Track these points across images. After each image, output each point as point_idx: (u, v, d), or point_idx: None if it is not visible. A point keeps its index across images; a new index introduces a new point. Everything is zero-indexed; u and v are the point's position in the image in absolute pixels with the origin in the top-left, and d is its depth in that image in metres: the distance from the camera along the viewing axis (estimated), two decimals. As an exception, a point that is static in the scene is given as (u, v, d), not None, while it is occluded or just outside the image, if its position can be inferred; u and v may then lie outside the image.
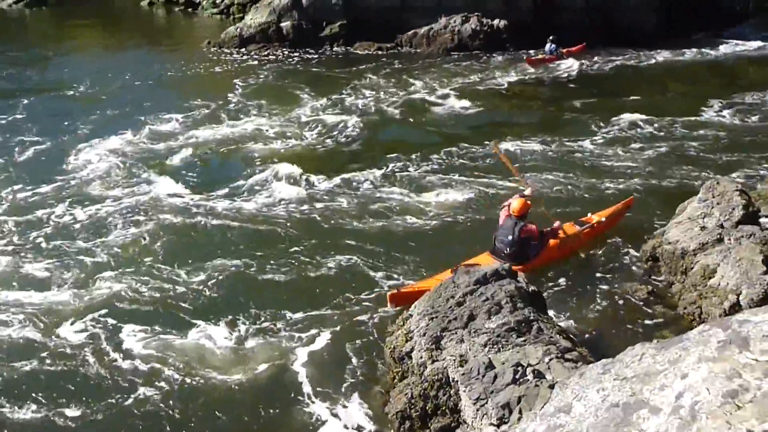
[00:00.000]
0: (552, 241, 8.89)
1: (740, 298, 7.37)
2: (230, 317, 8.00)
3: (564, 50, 23.22)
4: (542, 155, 13.43)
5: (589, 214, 9.76)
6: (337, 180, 12.11)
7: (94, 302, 8.31)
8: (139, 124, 15.34)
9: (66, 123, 15.85)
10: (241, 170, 12.82)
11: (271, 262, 9.23)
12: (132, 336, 7.66)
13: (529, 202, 8.64)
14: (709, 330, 2.80)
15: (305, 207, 11.05)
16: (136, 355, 7.34)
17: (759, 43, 28.24)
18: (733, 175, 12.20)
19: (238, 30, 24.05)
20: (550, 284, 8.56)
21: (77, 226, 10.49)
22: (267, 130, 14.94)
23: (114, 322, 7.91)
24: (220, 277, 8.86)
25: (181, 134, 14.79)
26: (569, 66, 22.41)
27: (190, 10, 33.28)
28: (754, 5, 35.55)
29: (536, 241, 8.66)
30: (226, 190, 11.85)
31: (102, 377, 7.04)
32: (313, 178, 12.20)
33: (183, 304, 8.30)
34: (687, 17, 29.54)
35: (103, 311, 8.11)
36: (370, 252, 9.44)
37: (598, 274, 8.89)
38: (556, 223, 9.01)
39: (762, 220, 9.33)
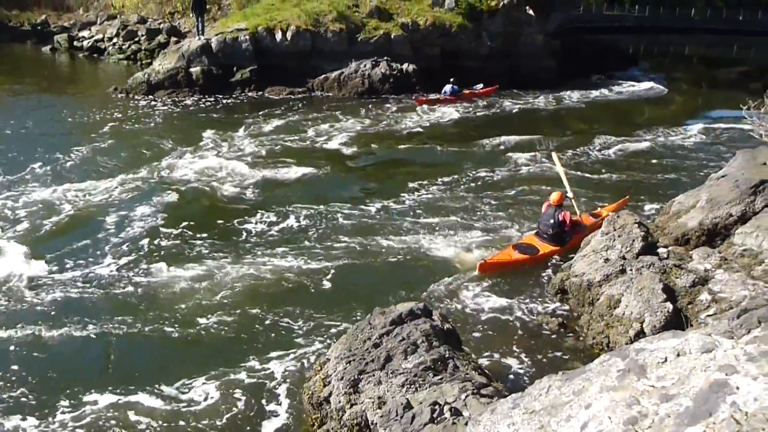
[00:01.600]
0: (565, 223, 10.70)
1: (644, 325, 7.70)
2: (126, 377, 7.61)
3: (467, 92, 24.20)
4: (450, 188, 13.74)
5: (599, 209, 12.21)
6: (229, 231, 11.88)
7: None
8: (28, 173, 14.34)
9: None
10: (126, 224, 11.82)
11: (166, 322, 8.84)
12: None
13: (563, 194, 10.93)
14: (609, 360, 2.90)
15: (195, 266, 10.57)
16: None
17: (648, 84, 30.61)
18: (633, 207, 12.92)
19: (146, 76, 23.55)
20: (465, 319, 8.68)
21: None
22: (176, 175, 14.54)
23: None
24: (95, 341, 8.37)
25: (65, 184, 13.56)
26: (469, 107, 23.31)
27: (95, 55, 32.38)
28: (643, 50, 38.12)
29: (569, 228, 10.65)
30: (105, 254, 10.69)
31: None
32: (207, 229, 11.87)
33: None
34: (584, 61, 31.58)
35: None
36: (268, 305, 9.19)
37: (509, 308, 9.09)
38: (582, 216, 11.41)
39: (660, 250, 9.86)
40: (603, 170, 15.78)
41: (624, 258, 9.01)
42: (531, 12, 28.13)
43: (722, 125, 21.65)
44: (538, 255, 10.42)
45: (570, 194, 11.50)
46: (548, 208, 10.66)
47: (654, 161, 16.94)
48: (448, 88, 23.99)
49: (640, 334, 7.67)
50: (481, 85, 25.15)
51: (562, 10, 35.87)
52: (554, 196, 10.70)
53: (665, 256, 9.63)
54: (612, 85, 29.48)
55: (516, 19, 27.80)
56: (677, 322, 7.68)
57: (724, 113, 24.19)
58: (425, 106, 22.70)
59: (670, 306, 7.76)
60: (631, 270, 8.64)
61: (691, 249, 10.20)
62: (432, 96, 24.06)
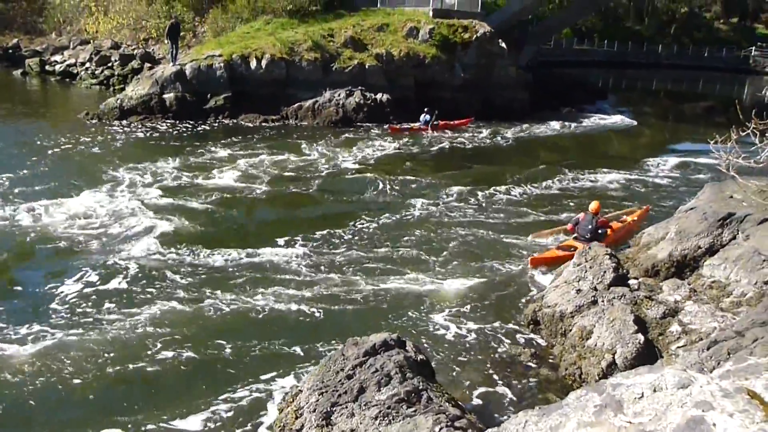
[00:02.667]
0: (610, 231, 12.49)
1: (615, 357, 7.74)
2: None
3: (442, 122, 24.49)
4: (423, 219, 13.77)
5: (624, 216, 13.74)
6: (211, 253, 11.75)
7: None
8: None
9: None
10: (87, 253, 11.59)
11: (128, 359, 8.69)
12: None
13: (599, 204, 12.43)
14: (586, 395, 2.90)
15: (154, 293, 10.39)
16: None
17: (617, 117, 31.36)
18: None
19: (119, 101, 23.38)
20: (438, 350, 8.64)
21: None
22: (144, 202, 14.34)
23: None
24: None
25: (33, 205, 13.40)
26: (447, 137, 23.58)
27: (67, 80, 32.14)
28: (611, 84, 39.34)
29: (604, 229, 12.25)
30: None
31: None
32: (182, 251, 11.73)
33: None
34: (555, 94, 32.27)
35: None
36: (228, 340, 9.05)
37: (482, 339, 9.09)
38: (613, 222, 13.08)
39: (631, 281, 9.96)
40: (573, 202, 15.97)
41: (595, 289, 9.08)
42: (504, 45, 28.67)
43: (690, 159, 22.15)
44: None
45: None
46: (586, 216, 12.17)
47: (624, 193, 17.23)
48: (423, 117, 24.33)
49: (612, 365, 7.71)
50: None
51: (534, 44, 36.61)
52: (593, 206, 12.26)
53: (636, 287, 9.72)
54: (582, 118, 30.07)
55: (489, 51, 28.30)
56: (649, 353, 7.74)
57: (692, 147, 24.80)
58: (401, 137, 22.89)
59: (641, 337, 7.82)
60: (602, 301, 8.70)
61: (661, 280, 10.33)
62: (405, 125, 24.34)
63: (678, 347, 7.88)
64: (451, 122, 25.27)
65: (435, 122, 24.48)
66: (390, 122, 24.55)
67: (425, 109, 24.53)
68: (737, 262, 9.63)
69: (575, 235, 12.23)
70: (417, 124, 24.38)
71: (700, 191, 12.51)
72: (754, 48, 69.22)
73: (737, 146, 8.52)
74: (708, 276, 9.87)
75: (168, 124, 22.60)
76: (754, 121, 8.03)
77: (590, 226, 11.98)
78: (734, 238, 10.24)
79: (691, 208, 11.50)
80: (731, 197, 11.13)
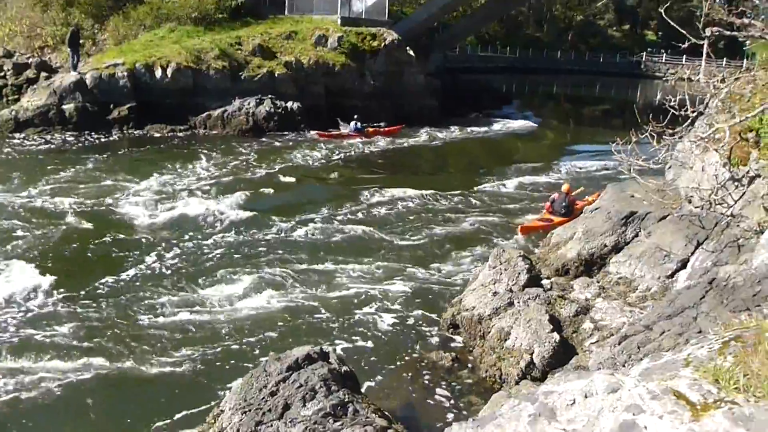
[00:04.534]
0: (576, 208, 14.28)
1: (533, 356, 7.96)
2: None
3: (371, 130, 24.93)
4: (340, 225, 13.74)
5: (587, 197, 15.32)
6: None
7: None
8: None
9: None
10: None
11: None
12: None
13: (570, 186, 14.81)
14: (519, 404, 2.96)
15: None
16: None
17: (522, 122, 32.51)
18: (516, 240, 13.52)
19: (13, 113, 22.06)
20: (361, 360, 8.61)
21: None
22: (40, 216, 13.59)
23: None
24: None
25: None
26: (361, 143, 23.74)
27: (-47, 91, 30.06)
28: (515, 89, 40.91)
29: (572, 206, 14.22)
30: None
31: None
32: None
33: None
34: (462, 100, 33.08)
35: None
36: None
37: (404, 346, 9.14)
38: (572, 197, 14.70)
39: (544, 281, 10.30)
40: (483, 205, 16.36)
41: (511, 291, 9.31)
42: (412, 53, 29.09)
43: (592, 160, 23.13)
44: (555, 222, 13.78)
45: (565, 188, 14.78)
46: (560, 195, 14.36)
47: (533, 194, 17.77)
48: (352, 124, 24.51)
49: (531, 365, 7.92)
50: (383, 123, 25.91)
51: (441, 51, 37.34)
52: (565, 187, 14.61)
53: (549, 287, 10.08)
54: (489, 123, 30.93)
55: (397, 59, 28.65)
56: (565, 351, 8.01)
57: (593, 148, 25.91)
58: (315, 145, 22.78)
59: (556, 336, 8.08)
60: (518, 302, 8.94)
61: (571, 279, 10.74)
62: (335, 131, 24.45)
63: (591, 343, 8.20)
64: (382, 129, 25.52)
65: (364, 128, 24.74)
66: (300, 129, 24.51)
67: (355, 117, 24.74)
68: (641, 258, 10.16)
69: (552, 210, 14.42)
70: (346, 131, 24.53)
71: (603, 192, 13.11)
72: (644, 54, 73.35)
73: (636, 148, 9.00)
74: (615, 273, 10.35)
75: (67, 136, 21.51)
76: (651, 124, 8.49)
77: (564, 203, 14.22)
78: (637, 235, 10.79)
79: (596, 209, 12.03)
80: (632, 197, 11.72)
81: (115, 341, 8.77)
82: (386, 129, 25.75)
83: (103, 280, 10.66)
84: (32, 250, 11.70)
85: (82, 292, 10.16)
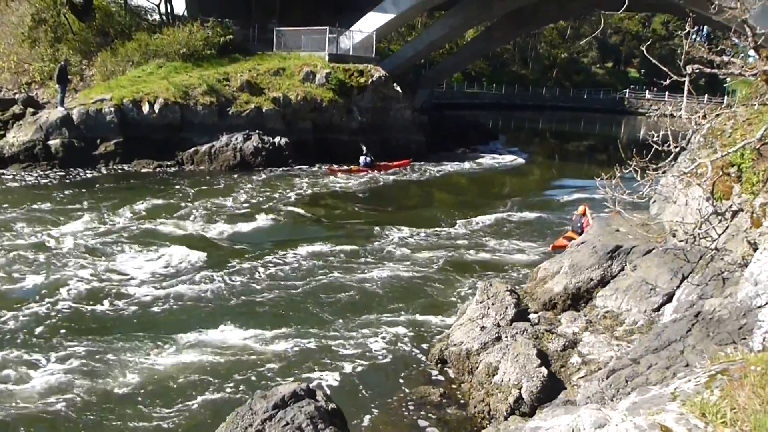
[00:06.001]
0: (585, 226, 14.72)
1: (522, 391, 7.90)
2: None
3: (381, 164, 25.54)
4: (320, 264, 13.70)
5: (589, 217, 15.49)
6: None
7: None
8: None
9: None
10: None
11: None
12: None
13: (585, 208, 15.59)
14: (506, 440, 2.93)
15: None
16: None
17: (509, 157, 32.83)
18: (503, 275, 13.50)
19: (-2, 148, 21.99)
20: (348, 397, 8.50)
21: None
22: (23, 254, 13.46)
23: None
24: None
25: None
26: (344, 179, 23.88)
27: (-62, 126, 29.94)
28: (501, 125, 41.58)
29: (584, 226, 14.88)
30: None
31: None
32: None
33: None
34: (450, 135, 33.44)
35: None
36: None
37: (393, 381, 9.05)
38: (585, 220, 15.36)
39: (531, 315, 10.29)
40: (471, 240, 16.39)
41: (499, 325, 9.29)
42: (399, 89, 29.43)
43: (577, 195, 23.31)
44: (577, 240, 13.71)
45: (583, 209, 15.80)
46: (577, 217, 15.55)
47: (520, 229, 17.86)
48: (362, 159, 24.95)
49: (519, 400, 7.86)
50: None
51: (427, 87, 37.82)
52: (581, 209, 15.63)
53: (536, 321, 10.05)
54: (476, 158, 31.21)
55: (385, 95, 28.97)
56: (553, 385, 7.96)
57: (578, 182, 26.17)
58: (309, 177, 22.93)
59: (545, 371, 8.03)
60: (506, 337, 8.90)
61: (559, 313, 10.72)
62: (345, 167, 24.87)
63: (579, 378, 8.15)
64: (391, 163, 26.02)
65: (374, 163, 25.25)
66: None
67: (363, 151, 25.20)
68: (627, 291, 10.16)
69: (571, 229, 15.74)
70: (357, 166, 24.99)
71: (589, 226, 13.19)
72: (627, 90, 74.70)
73: (621, 183, 9.11)
74: (601, 307, 10.34)
75: (53, 172, 21.41)
76: (634, 159, 8.61)
77: (579, 224, 15.38)
78: (623, 269, 10.82)
79: (582, 242, 12.07)
80: (617, 230, 11.79)
81: (92, 382, 8.63)
82: (396, 163, 26.32)
83: (76, 324, 10.54)
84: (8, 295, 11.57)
85: (63, 331, 10.02)
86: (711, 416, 2.94)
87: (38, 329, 9.96)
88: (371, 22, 30.24)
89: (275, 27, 31.31)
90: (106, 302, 11.17)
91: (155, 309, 11.03)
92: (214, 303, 11.40)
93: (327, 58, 28.85)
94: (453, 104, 50.65)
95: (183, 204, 18.48)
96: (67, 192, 19.14)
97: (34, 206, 17.02)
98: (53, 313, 10.57)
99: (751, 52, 9.87)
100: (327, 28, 29.23)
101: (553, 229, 18.13)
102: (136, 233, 15.29)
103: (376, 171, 25.15)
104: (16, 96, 27.79)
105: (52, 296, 11.25)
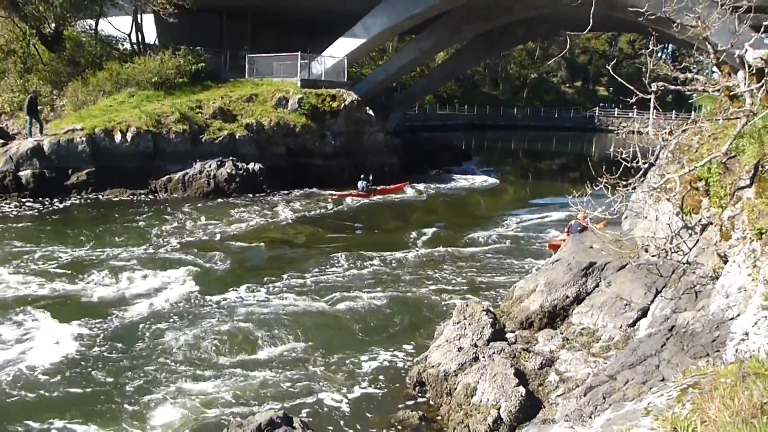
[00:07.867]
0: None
1: (500, 411, 7.88)
2: None
3: (379, 188, 25.84)
4: (298, 290, 13.63)
5: (598, 224, 15.05)
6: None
7: None
8: None
9: None
10: None
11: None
12: None
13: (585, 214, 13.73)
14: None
15: None
16: None
17: (482, 177, 33.14)
18: (483, 294, 13.52)
19: (-34, 181, 21.65)
20: (326, 422, 8.42)
21: None
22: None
23: None
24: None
25: None
26: (323, 204, 23.88)
27: None
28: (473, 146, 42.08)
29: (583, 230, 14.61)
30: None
31: None
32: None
33: None
34: (423, 157, 33.69)
35: None
36: None
37: (371, 405, 8.98)
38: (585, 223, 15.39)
39: (508, 335, 10.30)
40: (447, 261, 16.43)
41: (476, 345, 9.28)
42: (371, 112, 29.63)
43: (551, 213, 23.56)
44: None
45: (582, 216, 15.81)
46: (575, 222, 15.92)
47: (494, 248, 17.95)
48: (361, 184, 25.17)
49: (498, 421, 7.83)
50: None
51: (400, 110, 38.14)
52: (580, 215, 15.00)
53: (513, 340, 10.06)
54: (450, 179, 31.43)
55: (357, 119, 29.15)
56: (531, 404, 7.95)
57: (551, 200, 26.43)
58: (287, 202, 22.91)
59: (522, 390, 8.03)
60: (483, 357, 8.90)
61: (535, 331, 10.75)
62: (345, 192, 25.12)
63: (557, 396, 8.16)
64: (389, 187, 26.42)
65: (374, 188, 25.49)
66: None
67: (361, 176, 25.45)
68: (602, 308, 10.24)
69: (569, 233, 15.73)
70: (356, 190, 25.24)
71: (563, 243, 13.30)
72: (597, 108, 75.98)
73: (592, 200, 9.22)
74: (577, 324, 10.39)
75: (23, 203, 21.10)
76: (605, 176, 8.74)
77: (579, 228, 15.57)
78: (597, 285, 10.90)
79: (557, 260, 12.16)
80: (591, 247, 11.90)
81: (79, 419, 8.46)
82: (393, 187, 26.73)
83: (42, 364, 10.34)
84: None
85: (36, 374, 9.81)
86: (682, 430, 2.96)
87: None
88: (342, 47, 30.51)
89: (247, 54, 31.40)
90: (85, 330, 10.98)
91: (133, 332, 10.87)
92: (187, 331, 11.24)
93: (299, 83, 28.97)
94: (426, 126, 51.07)
95: (156, 232, 18.30)
96: (35, 222, 18.87)
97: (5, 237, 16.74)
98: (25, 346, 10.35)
99: (715, 68, 10.11)
100: (299, 54, 29.44)
101: (529, 248, 18.28)
102: (103, 261, 15.08)
103: (374, 195, 25.42)
104: (-15, 128, 27.42)
105: (20, 322, 11.03)
